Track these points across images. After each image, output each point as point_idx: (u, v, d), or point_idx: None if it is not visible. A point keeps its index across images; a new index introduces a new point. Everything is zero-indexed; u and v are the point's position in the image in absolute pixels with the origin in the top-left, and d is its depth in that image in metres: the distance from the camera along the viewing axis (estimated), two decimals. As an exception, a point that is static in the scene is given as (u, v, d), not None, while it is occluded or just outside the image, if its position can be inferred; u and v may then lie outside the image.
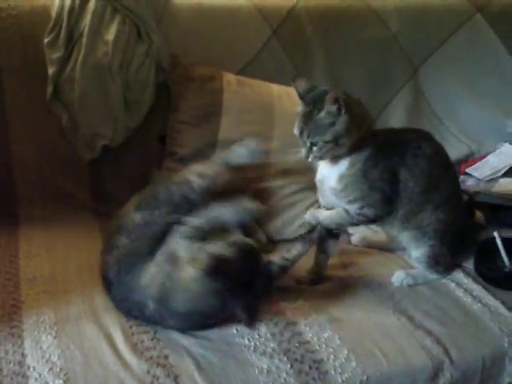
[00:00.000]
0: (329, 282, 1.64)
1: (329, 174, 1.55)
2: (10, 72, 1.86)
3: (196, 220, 1.47)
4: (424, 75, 2.34)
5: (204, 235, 1.44)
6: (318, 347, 1.34)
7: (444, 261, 1.65)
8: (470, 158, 2.37)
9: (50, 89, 1.85)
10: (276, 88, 2.00)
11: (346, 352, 1.34)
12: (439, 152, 1.64)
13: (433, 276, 1.65)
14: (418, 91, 2.34)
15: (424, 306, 1.52)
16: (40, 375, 1.20)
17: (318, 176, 1.61)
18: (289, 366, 1.29)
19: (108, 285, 1.44)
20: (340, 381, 1.28)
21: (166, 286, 1.35)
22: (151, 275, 1.37)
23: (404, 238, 1.64)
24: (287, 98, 1.96)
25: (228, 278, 1.35)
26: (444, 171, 1.63)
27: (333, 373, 1.29)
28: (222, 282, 1.34)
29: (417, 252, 1.65)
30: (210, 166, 1.70)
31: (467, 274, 1.69)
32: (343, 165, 1.52)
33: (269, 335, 1.36)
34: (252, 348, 1.32)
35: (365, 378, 1.29)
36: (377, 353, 1.35)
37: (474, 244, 1.77)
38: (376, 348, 1.36)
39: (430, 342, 1.40)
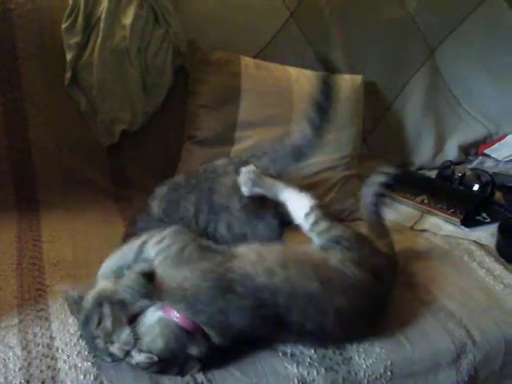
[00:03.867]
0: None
1: None
2: (28, 58, 1.85)
3: None
4: (441, 56, 2.32)
5: None
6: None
7: None
8: (489, 139, 2.37)
9: (68, 74, 1.85)
10: (294, 71, 2.00)
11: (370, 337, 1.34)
12: None
13: None
14: (436, 72, 2.32)
15: (448, 288, 1.52)
16: (68, 357, 1.21)
17: None
18: (312, 351, 1.29)
19: None
20: (364, 366, 1.28)
21: None
22: None
23: None
24: (305, 80, 1.96)
25: None
26: None
27: (357, 358, 1.29)
28: None
29: None
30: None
31: (489, 253, 1.69)
32: None
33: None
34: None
35: (389, 363, 1.30)
36: (400, 337, 1.35)
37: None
38: (399, 332, 1.36)
39: (453, 325, 1.40)
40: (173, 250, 1.28)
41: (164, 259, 1.28)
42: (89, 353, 1.21)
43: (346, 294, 1.28)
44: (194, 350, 1.18)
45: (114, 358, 1.18)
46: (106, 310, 1.19)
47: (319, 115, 1.56)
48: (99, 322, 1.18)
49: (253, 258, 1.28)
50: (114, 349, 1.17)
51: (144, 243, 1.32)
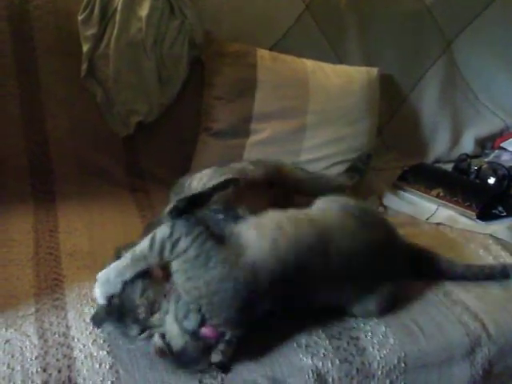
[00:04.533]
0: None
1: None
2: (45, 49, 1.87)
3: None
4: (458, 49, 2.30)
5: None
6: (355, 324, 1.35)
7: None
8: (505, 133, 2.34)
9: (84, 66, 1.86)
10: (310, 63, 2.00)
11: (384, 329, 1.34)
12: None
13: None
14: (453, 65, 2.30)
15: (462, 281, 1.51)
16: (84, 346, 1.22)
17: None
18: (327, 341, 1.29)
19: None
20: (378, 357, 1.28)
21: None
22: None
23: None
24: (321, 72, 1.96)
25: None
26: None
27: (371, 349, 1.29)
28: None
29: None
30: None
31: (504, 247, 1.68)
32: None
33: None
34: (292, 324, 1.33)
35: (403, 354, 1.30)
36: (414, 329, 1.35)
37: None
38: (413, 324, 1.36)
39: (468, 318, 1.39)
40: (190, 254, 1.23)
41: (183, 263, 1.24)
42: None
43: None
44: (215, 358, 1.18)
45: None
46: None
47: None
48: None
49: (254, 235, 1.27)
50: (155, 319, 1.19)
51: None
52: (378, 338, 1.32)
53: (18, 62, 1.85)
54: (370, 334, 1.32)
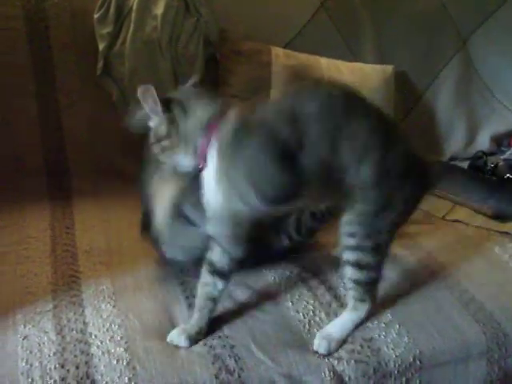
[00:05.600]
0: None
1: None
2: (61, 48, 1.88)
3: None
4: (474, 46, 2.30)
5: None
6: (369, 324, 1.34)
7: None
8: (522, 130, 2.33)
9: (100, 64, 1.87)
10: (324, 61, 2.00)
11: (398, 327, 1.33)
12: None
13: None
14: (468, 62, 2.30)
15: (478, 279, 1.51)
16: (102, 343, 1.22)
17: None
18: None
19: None
20: (394, 356, 1.28)
21: None
22: None
23: None
24: (336, 70, 1.96)
25: None
26: None
27: (385, 349, 1.28)
28: None
29: None
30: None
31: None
32: None
33: (323, 315, 1.36)
34: (306, 324, 1.33)
35: (418, 352, 1.29)
36: (429, 327, 1.34)
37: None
38: (428, 322, 1.35)
39: (484, 317, 1.38)
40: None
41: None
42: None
43: None
44: None
45: None
46: None
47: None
48: None
49: None
50: None
51: None
52: (392, 336, 1.31)
53: (35, 60, 1.87)
54: (383, 333, 1.32)
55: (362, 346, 1.29)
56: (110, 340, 1.23)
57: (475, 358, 1.33)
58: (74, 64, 1.90)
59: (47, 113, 1.89)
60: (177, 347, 1.23)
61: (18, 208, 1.75)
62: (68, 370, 1.16)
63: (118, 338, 1.24)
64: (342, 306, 1.37)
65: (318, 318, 1.35)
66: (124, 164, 1.94)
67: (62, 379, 1.14)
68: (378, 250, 1.26)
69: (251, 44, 1.97)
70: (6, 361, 1.18)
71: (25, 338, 1.23)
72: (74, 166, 1.91)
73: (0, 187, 1.78)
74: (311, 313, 1.36)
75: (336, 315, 1.34)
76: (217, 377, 1.18)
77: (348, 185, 1.20)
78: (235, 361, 1.21)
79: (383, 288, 1.40)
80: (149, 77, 1.88)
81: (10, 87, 1.85)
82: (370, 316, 1.35)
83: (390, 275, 1.48)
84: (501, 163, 2.06)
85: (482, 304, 1.42)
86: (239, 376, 1.19)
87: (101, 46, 1.86)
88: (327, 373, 1.22)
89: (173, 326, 1.29)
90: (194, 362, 1.20)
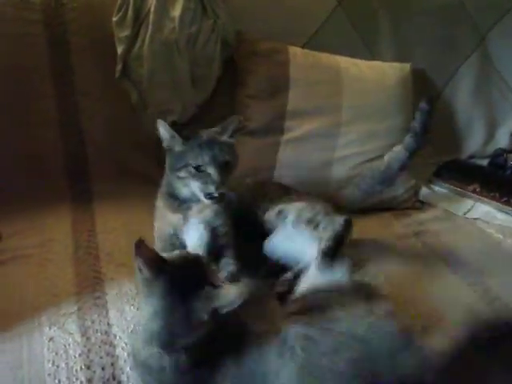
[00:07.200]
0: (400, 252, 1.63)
1: None
2: (80, 51, 1.89)
3: None
4: (492, 42, 2.27)
5: None
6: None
7: None
8: (541, 128, 2.31)
9: (119, 67, 1.88)
10: (342, 59, 1.99)
11: (420, 328, 1.31)
12: None
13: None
14: (487, 59, 2.28)
15: (502, 276, 1.50)
16: (126, 344, 1.23)
17: None
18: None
19: None
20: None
21: None
22: None
23: None
24: (355, 69, 1.95)
25: None
26: None
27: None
28: None
29: None
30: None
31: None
32: None
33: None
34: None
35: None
36: (451, 326, 1.32)
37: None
38: (451, 321, 1.33)
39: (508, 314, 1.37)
40: None
41: None
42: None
43: None
44: None
45: None
46: None
47: (416, 140, 1.71)
48: None
49: None
50: None
51: None
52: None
53: (54, 64, 1.88)
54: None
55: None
56: (134, 341, 1.24)
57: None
58: (94, 67, 1.91)
59: (67, 116, 1.90)
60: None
61: (39, 211, 1.75)
62: (94, 372, 1.17)
63: (142, 340, 1.25)
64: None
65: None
66: (144, 165, 1.94)
67: (89, 380, 1.15)
68: None
69: (268, 44, 1.97)
70: (33, 362, 1.19)
71: (50, 339, 1.25)
72: (95, 168, 1.92)
73: (21, 190, 1.80)
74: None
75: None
76: None
77: None
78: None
79: (405, 285, 1.41)
80: (167, 79, 1.89)
81: (30, 91, 1.86)
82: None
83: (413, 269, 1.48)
84: (521, 160, 2.05)
85: (506, 303, 1.41)
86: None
87: (119, 49, 1.87)
88: None
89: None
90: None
